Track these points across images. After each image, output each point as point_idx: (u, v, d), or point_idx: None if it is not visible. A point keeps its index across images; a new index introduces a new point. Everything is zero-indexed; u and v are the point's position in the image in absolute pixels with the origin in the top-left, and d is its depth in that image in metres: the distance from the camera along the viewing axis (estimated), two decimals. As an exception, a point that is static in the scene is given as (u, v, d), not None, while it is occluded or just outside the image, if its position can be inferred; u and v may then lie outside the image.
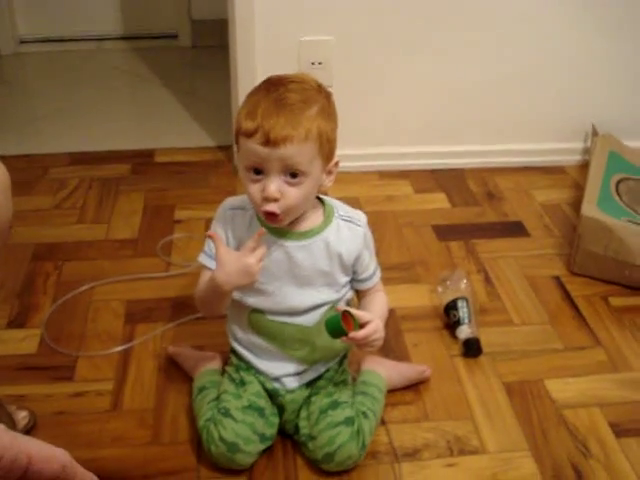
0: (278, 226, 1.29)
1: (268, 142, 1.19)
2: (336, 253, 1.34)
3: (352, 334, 1.25)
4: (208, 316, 1.54)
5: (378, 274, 1.44)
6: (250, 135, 1.20)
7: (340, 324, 1.23)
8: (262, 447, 1.37)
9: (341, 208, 1.38)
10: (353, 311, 1.27)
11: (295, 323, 1.36)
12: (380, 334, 1.30)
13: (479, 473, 1.38)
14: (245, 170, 1.25)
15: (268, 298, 1.35)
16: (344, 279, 1.38)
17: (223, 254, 1.26)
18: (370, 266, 1.41)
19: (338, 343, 1.39)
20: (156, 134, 2.61)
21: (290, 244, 1.32)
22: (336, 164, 1.30)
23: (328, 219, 1.35)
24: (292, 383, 1.41)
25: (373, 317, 1.29)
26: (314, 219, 1.34)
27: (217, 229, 1.36)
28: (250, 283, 1.27)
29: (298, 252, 1.32)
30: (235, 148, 1.26)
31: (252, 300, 1.37)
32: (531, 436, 1.46)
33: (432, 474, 1.38)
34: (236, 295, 1.37)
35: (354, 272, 1.39)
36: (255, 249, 1.25)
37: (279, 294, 1.35)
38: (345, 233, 1.35)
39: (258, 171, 1.23)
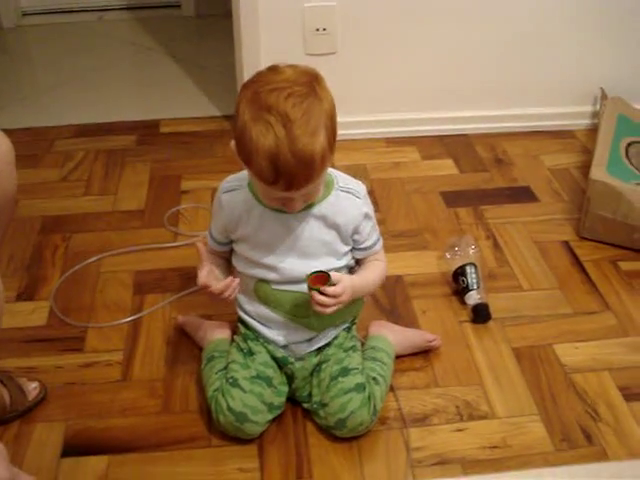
0: None
1: (291, 188, 1.20)
2: (334, 224, 1.34)
3: (323, 288, 1.27)
4: None
5: (379, 244, 1.43)
6: (270, 184, 1.20)
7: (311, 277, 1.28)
8: (271, 416, 1.38)
9: (341, 179, 1.37)
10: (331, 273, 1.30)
11: (299, 290, 1.36)
12: (344, 297, 1.30)
13: (489, 438, 1.39)
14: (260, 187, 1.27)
15: (272, 271, 1.37)
16: (345, 248, 1.39)
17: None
18: (371, 236, 1.41)
19: (343, 307, 1.39)
20: (161, 104, 2.59)
21: (289, 216, 1.32)
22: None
23: (327, 190, 1.34)
24: (301, 350, 1.42)
25: (344, 278, 1.31)
26: None
27: (216, 216, 1.40)
28: None
29: (296, 224, 1.33)
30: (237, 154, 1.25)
31: (256, 272, 1.38)
32: (540, 401, 1.46)
33: (441, 439, 1.39)
34: (240, 268, 1.40)
35: (354, 241, 1.39)
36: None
37: (282, 267, 1.36)
38: (343, 204, 1.35)
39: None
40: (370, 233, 1.40)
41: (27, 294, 1.73)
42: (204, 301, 1.69)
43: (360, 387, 1.36)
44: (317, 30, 2.19)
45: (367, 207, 1.38)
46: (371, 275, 1.42)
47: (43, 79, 2.81)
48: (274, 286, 1.38)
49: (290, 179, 1.18)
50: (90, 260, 1.82)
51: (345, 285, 1.30)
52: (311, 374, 1.42)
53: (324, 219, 1.33)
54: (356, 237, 1.38)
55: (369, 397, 1.35)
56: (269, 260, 1.35)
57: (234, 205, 1.35)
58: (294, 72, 1.21)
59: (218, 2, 3.22)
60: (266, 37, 2.18)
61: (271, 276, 1.37)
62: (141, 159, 2.26)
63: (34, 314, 1.67)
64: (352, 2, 2.16)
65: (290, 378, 1.42)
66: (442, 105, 2.36)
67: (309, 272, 1.29)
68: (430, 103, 2.35)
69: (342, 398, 1.35)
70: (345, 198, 1.35)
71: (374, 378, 1.41)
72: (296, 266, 1.35)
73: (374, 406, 1.36)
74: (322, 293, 1.28)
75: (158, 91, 2.71)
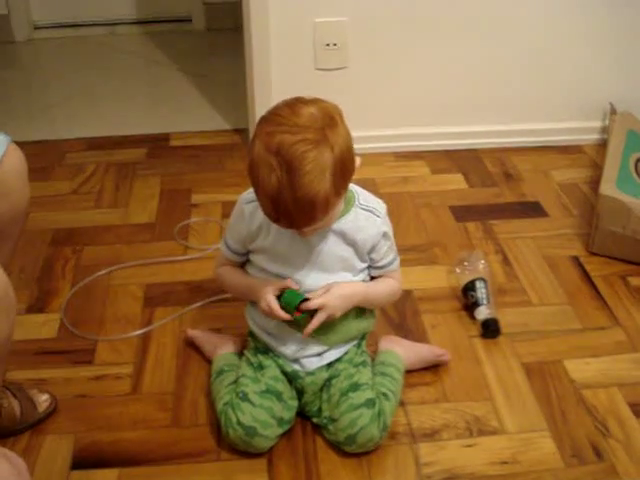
0: None
1: (291, 227, 1.24)
2: (352, 241, 1.35)
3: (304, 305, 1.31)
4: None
5: (396, 264, 1.44)
6: (273, 221, 1.24)
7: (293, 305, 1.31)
8: (280, 431, 1.38)
9: (362, 196, 1.38)
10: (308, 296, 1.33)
11: None
12: (324, 313, 1.32)
13: (498, 453, 1.38)
14: None
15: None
16: (361, 265, 1.40)
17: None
18: (388, 255, 1.41)
19: (355, 324, 1.42)
20: (171, 118, 2.61)
21: None
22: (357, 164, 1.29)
23: (347, 207, 1.35)
24: (312, 364, 1.42)
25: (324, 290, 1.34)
26: None
27: (236, 226, 1.40)
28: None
29: (315, 239, 1.34)
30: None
31: None
32: (550, 416, 1.46)
33: (451, 455, 1.38)
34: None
35: (370, 259, 1.40)
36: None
37: (298, 279, 1.36)
38: (362, 223, 1.36)
39: None
40: (387, 252, 1.40)
41: (38, 307, 1.73)
42: (214, 314, 1.70)
43: (370, 403, 1.35)
44: (327, 45, 2.20)
45: (386, 227, 1.39)
46: (373, 286, 1.42)
47: (54, 92, 2.83)
48: None
49: (290, 221, 1.21)
50: (100, 273, 1.83)
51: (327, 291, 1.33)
52: (321, 389, 1.42)
53: (343, 235, 1.34)
54: (373, 255, 1.39)
55: (379, 413, 1.35)
56: (286, 272, 1.36)
57: (255, 216, 1.35)
58: (311, 114, 1.20)
59: (229, 16, 3.25)
60: (277, 52, 2.19)
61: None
62: (151, 172, 2.27)
63: (44, 326, 1.67)
64: (363, 17, 2.17)
65: (300, 393, 1.42)
66: (451, 120, 2.37)
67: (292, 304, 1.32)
68: (439, 118, 2.36)
69: (352, 414, 1.34)
70: (365, 216, 1.36)
71: (384, 393, 1.40)
72: (312, 280, 1.35)
73: (384, 422, 1.36)
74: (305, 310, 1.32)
75: (168, 105, 2.73)
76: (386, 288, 1.45)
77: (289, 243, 1.34)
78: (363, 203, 1.37)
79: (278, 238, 1.34)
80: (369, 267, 1.42)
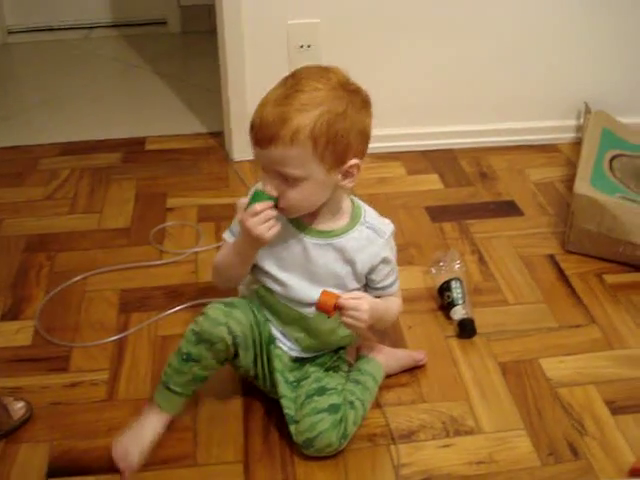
0: (290, 217, 1.31)
1: (257, 141, 1.21)
2: (350, 260, 1.35)
3: (339, 301, 1.26)
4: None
5: (396, 286, 1.43)
6: (250, 130, 1.23)
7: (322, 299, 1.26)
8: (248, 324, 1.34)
9: (369, 215, 1.37)
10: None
11: (300, 310, 1.37)
12: (360, 313, 1.27)
13: (475, 453, 1.38)
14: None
15: (278, 285, 1.37)
16: (355, 285, 1.38)
17: None
18: (389, 277, 1.40)
19: (335, 335, 1.42)
20: (147, 121, 2.59)
21: (308, 240, 1.33)
22: (357, 167, 1.28)
23: (352, 223, 1.35)
24: (284, 347, 1.41)
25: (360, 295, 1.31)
26: (338, 220, 1.34)
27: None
28: (256, 238, 1.26)
29: (314, 249, 1.33)
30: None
31: (264, 280, 1.38)
32: (526, 415, 1.46)
33: (428, 455, 1.38)
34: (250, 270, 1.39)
35: (370, 280, 1.39)
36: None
37: (289, 284, 1.36)
38: (364, 242, 1.35)
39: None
40: (388, 275, 1.39)
41: (12, 314, 1.71)
42: (189, 319, 1.67)
43: (333, 408, 1.34)
44: (301, 47, 2.20)
45: (389, 249, 1.38)
46: (386, 305, 1.41)
47: (29, 97, 2.81)
48: (277, 297, 1.38)
49: (258, 129, 1.20)
50: (75, 279, 1.81)
51: (363, 296, 1.30)
52: (293, 384, 1.41)
53: (342, 252, 1.34)
54: (372, 277, 1.38)
55: (341, 420, 1.34)
56: (278, 274, 1.35)
57: None
58: (344, 76, 1.26)
59: (204, 19, 3.24)
60: (251, 54, 2.19)
61: (277, 289, 1.37)
62: (127, 177, 2.26)
63: (19, 334, 1.66)
64: (335, 19, 2.17)
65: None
66: (427, 120, 2.37)
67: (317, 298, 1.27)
68: (415, 118, 2.36)
69: (313, 417, 1.33)
70: (368, 236, 1.35)
71: (351, 402, 1.38)
72: (303, 288, 1.35)
73: (344, 429, 1.34)
74: (338, 307, 1.27)
75: (144, 108, 2.72)
76: (394, 309, 1.44)
77: (288, 246, 1.33)
78: (369, 221, 1.36)
79: (279, 238, 1.31)
80: (367, 287, 1.40)
